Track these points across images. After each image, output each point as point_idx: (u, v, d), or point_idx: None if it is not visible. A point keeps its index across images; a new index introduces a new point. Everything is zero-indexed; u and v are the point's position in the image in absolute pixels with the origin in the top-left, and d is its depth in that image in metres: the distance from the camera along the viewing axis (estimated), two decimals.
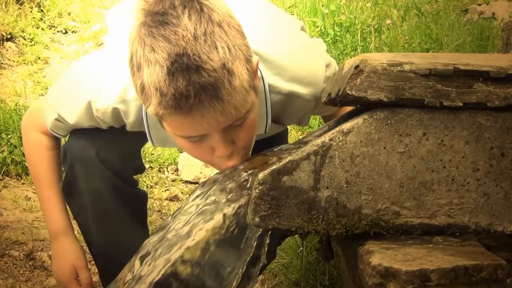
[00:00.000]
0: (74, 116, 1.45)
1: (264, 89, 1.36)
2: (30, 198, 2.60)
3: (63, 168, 1.61)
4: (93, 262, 2.12)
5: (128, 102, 1.39)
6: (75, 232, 1.70)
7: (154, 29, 1.11)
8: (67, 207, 1.67)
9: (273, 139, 1.67)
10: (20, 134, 2.72)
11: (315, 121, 3.21)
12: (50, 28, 4.32)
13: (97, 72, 1.43)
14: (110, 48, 1.50)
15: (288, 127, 3.20)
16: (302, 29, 1.57)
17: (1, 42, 3.93)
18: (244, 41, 1.18)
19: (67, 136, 1.58)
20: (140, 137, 1.57)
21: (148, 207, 1.80)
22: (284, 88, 1.39)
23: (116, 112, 1.41)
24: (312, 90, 1.41)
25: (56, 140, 1.63)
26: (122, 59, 1.38)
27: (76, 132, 1.51)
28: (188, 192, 2.83)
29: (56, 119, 1.49)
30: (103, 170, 1.51)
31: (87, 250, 1.72)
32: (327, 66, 1.43)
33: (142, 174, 2.56)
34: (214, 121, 1.15)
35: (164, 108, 1.12)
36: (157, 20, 1.12)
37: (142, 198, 1.70)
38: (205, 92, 1.10)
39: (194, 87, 1.09)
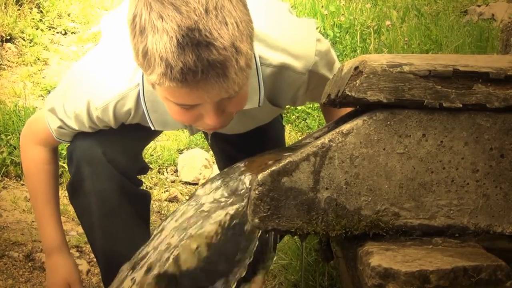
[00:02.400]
0: (75, 119, 1.46)
1: (256, 62, 1.36)
2: (29, 199, 2.59)
3: (68, 170, 1.61)
4: (93, 263, 2.13)
5: (126, 94, 1.40)
6: (75, 233, 1.70)
7: None
8: (52, 210, 1.67)
9: (269, 139, 1.67)
10: (20, 134, 2.72)
11: (314, 122, 3.21)
12: (49, 29, 4.32)
13: (91, 74, 1.44)
14: (103, 49, 1.50)
15: (287, 127, 3.22)
16: (290, 11, 1.58)
17: (1, 43, 3.93)
18: (249, 17, 1.18)
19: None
20: (143, 138, 1.57)
21: None
22: (274, 60, 1.39)
23: (115, 107, 1.42)
24: (304, 62, 1.41)
25: (54, 154, 1.64)
26: (115, 57, 1.38)
27: (81, 133, 1.52)
28: (188, 193, 2.83)
29: (60, 127, 1.49)
30: (110, 169, 1.51)
31: (88, 251, 1.72)
32: (318, 40, 1.43)
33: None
34: (215, 96, 1.16)
35: (170, 80, 1.11)
36: None
37: (146, 198, 1.70)
38: (213, 69, 1.10)
39: (202, 63, 1.09)
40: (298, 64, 1.40)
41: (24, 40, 4.06)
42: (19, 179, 2.72)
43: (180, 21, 1.08)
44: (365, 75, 1.05)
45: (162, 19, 1.09)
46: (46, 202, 1.65)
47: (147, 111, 1.41)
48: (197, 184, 2.92)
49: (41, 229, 1.68)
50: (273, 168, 1.08)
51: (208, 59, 1.09)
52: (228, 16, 1.11)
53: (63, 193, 2.38)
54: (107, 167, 1.51)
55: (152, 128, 1.47)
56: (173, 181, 2.94)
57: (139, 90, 1.39)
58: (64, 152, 2.35)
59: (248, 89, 1.28)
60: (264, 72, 1.39)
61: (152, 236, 1.27)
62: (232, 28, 1.11)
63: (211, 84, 1.12)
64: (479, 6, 4.32)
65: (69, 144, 1.57)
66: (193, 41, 1.08)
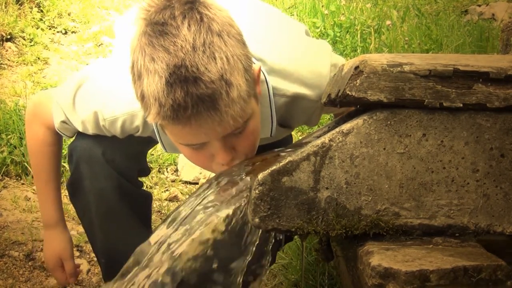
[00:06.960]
0: (81, 122, 1.47)
1: (269, 93, 1.36)
2: (29, 198, 2.60)
3: (68, 168, 1.63)
4: (93, 262, 2.13)
5: (135, 113, 1.42)
6: (75, 232, 1.71)
7: (154, 39, 1.13)
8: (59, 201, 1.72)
9: (278, 144, 1.67)
10: (20, 134, 2.72)
11: None
12: (50, 29, 4.32)
13: (106, 83, 1.45)
14: (118, 59, 1.51)
15: None
16: (306, 33, 1.58)
17: (1, 43, 3.93)
18: (243, 51, 1.19)
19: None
20: (146, 141, 1.58)
21: None
22: (288, 90, 1.40)
23: (124, 122, 1.43)
24: (317, 91, 1.41)
25: (58, 136, 1.64)
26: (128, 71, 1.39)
27: (82, 132, 1.52)
28: (188, 193, 2.83)
29: (63, 122, 1.50)
30: (108, 170, 1.52)
31: (89, 250, 1.73)
32: (333, 66, 1.43)
33: None
34: (212, 131, 1.17)
35: (163, 119, 1.14)
36: (157, 30, 1.13)
37: (146, 198, 1.71)
38: (203, 103, 1.11)
39: (192, 98, 1.10)
40: (312, 92, 1.41)
41: (24, 39, 4.06)
42: (19, 178, 2.72)
43: (168, 60, 1.11)
44: (365, 75, 1.05)
45: (154, 61, 1.12)
46: (47, 181, 1.68)
47: (158, 134, 1.43)
48: (197, 183, 2.92)
49: (40, 204, 1.74)
50: (273, 167, 1.08)
51: (196, 93, 1.10)
52: (217, 51, 1.12)
53: (64, 193, 2.39)
54: (105, 167, 1.52)
55: (164, 151, 1.49)
56: (173, 181, 2.94)
57: None
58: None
59: (257, 125, 1.28)
60: (277, 102, 1.40)
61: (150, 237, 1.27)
62: (221, 62, 1.12)
63: (204, 118, 1.13)
64: (479, 5, 4.33)
65: (70, 143, 1.58)
66: (180, 77, 1.10)
